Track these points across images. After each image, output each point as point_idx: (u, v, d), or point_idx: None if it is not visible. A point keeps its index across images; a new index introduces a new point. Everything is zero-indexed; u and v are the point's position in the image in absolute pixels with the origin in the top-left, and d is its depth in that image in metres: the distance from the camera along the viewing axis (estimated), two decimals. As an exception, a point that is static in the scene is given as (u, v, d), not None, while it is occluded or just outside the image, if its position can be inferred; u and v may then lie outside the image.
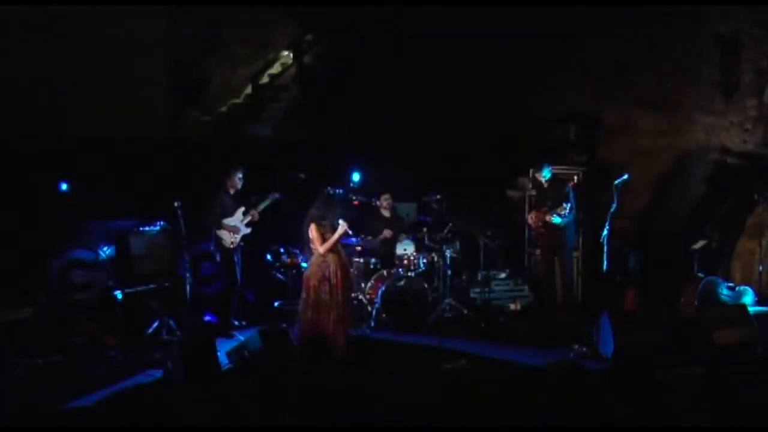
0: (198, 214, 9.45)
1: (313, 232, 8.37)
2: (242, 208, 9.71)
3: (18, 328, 8.64)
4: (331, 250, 8.43)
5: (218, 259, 9.78)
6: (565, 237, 10.33)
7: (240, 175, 9.71)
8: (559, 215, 10.05)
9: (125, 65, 12.13)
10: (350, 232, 8.90)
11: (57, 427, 6.53)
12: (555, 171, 10.67)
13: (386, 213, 10.88)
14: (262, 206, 9.80)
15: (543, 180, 10.41)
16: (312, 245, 8.45)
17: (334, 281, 8.37)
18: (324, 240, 8.37)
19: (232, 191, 9.72)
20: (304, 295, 8.46)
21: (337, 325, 8.33)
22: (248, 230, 9.75)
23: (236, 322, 9.78)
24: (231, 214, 9.65)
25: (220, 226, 9.58)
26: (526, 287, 11.09)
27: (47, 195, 10.07)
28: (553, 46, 12.15)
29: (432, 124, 12.59)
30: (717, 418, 6.35)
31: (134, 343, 8.75)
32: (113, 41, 11.92)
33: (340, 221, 8.46)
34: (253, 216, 9.71)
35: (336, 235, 8.43)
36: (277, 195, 9.90)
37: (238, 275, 9.76)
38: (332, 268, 8.40)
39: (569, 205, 10.00)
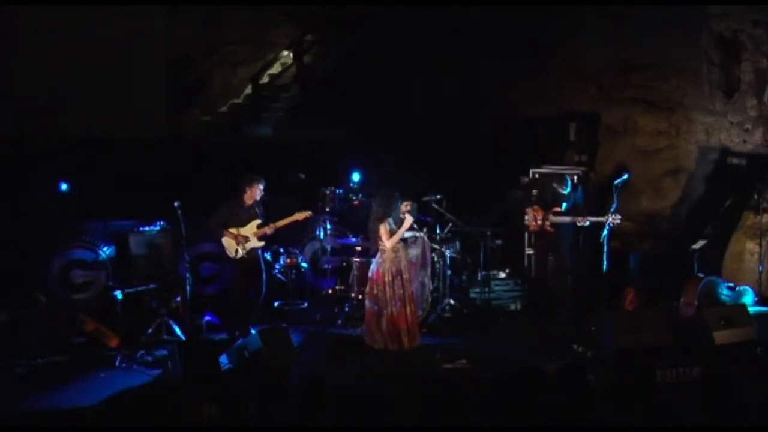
0: (198, 213, 9.36)
1: (382, 230, 8.73)
2: (258, 221, 9.09)
3: (18, 328, 8.64)
4: (398, 244, 8.85)
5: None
6: (560, 237, 10.22)
7: (262, 186, 9.05)
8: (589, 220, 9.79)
9: (125, 65, 12.15)
10: (416, 226, 9.28)
11: (57, 427, 6.52)
12: (553, 171, 10.64)
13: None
14: (283, 222, 9.17)
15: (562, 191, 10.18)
16: (380, 243, 8.80)
17: (406, 275, 8.87)
18: (391, 236, 8.75)
19: (249, 202, 9.05)
20: (375, 291, 8.81)
21: (414, 316, 8.88)
22: (261, 243, 9.14)
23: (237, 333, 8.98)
24: (243, 224, 9.03)
25: (222, 234, 9.03)
26: (526, 287, 11.07)
27: (47, 195, 10.07)
28: (553, 46, 12.14)
29: (432, 123, 12.60)
30: (717, 418, 6.34)
31: (134, 343, 8.74)
32: (113, 41, 11.94)
33: (407, 215, 8.92)
34: (270, 229, 9.09)
35: (403, 228, 8.85)
36: (307, 216, 9.30)
37: (264, 286, 9.19)
38: (403, 263, 8.87)
39: (614, 204, 9.57)
